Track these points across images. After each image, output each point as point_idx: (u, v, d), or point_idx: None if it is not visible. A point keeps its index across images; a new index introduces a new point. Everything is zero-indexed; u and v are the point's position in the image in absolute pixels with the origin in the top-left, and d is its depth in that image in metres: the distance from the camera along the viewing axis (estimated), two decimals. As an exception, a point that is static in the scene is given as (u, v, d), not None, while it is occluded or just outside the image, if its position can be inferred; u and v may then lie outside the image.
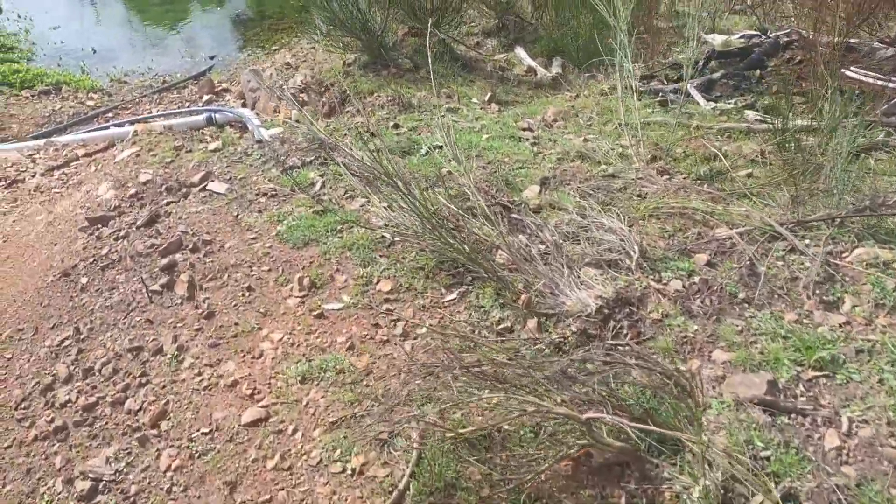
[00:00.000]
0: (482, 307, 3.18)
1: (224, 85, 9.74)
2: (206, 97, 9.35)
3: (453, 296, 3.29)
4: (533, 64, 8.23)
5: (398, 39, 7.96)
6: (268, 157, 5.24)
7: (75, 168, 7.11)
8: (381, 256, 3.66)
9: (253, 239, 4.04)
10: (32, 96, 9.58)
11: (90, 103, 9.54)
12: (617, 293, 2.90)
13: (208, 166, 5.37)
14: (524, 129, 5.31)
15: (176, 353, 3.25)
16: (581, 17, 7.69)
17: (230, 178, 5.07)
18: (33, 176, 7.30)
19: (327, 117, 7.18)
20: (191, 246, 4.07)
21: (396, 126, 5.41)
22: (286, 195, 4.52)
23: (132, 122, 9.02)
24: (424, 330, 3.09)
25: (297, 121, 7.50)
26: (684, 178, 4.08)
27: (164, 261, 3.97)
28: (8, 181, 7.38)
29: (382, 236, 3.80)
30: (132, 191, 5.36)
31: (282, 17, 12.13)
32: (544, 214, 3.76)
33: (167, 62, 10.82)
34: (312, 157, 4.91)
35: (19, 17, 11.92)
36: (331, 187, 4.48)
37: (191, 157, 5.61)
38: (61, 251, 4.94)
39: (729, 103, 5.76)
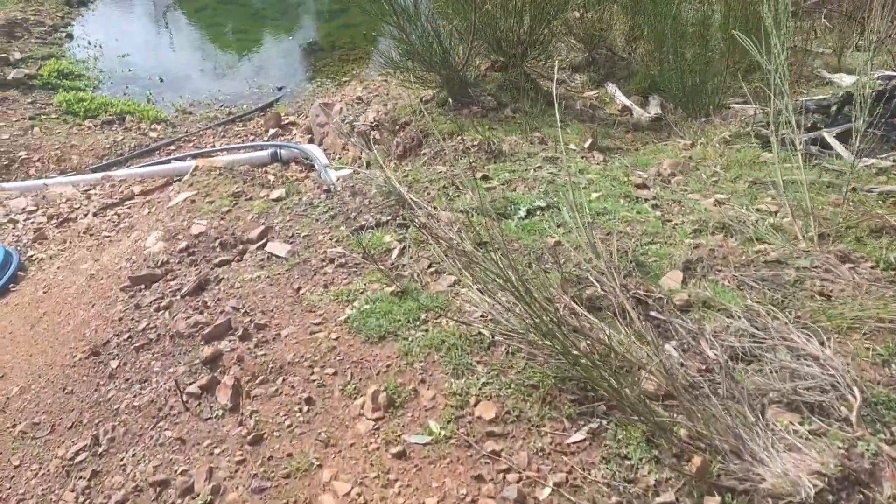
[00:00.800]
0: (626, 458, 2.25)
1: (291, 118, 9.09)
2: (271, 131, 8.69)
3: (582, 435, 2.36)
4: (628, 103, 7.29)
5: (480, 75, 7.14)
6: (336, 211, 4.43)
7: (128, 209, 6.47)
8: (479, 363, 2.77)
9: (316, 325, 3.20)
10: (95, 126, 9.10)
11: (153, 135, 9.00)
12: (842, 466, 1.94)
13: (269, 219, 4.60)
14: (638, 186, 4.38)
15: (210, 497, 2.41)
16: (686, 52, 6.73)
17: (292, 236, 4.28)
18: (85, 215, 6.70)
19: (401, 159, 6.38)
20: (240, 331, 3.25)
21: (486, 178, 4.54)
22: (357, 264, 3.69)
23: (194, 157, 8.44)
24: (548, 493, 2.18)
25: (368, 163, 6.73)
26: (872, 266, 3.08)
27: (208, 350, 3.16)
28: (60, 219, 6.79)
29: (480, 333, 2.91)
30: (182, 244, 4.63)
31: (353, 47, 11.50)
32: (695, 315, 2.81)
33: (234, 91, 10.28)
34: (388, 216, 4.08)
35: (89, 43, 11.60)
36: (411, 257, 3.63)
37: (250, 206, 4.87)
38: (97, 316, 4.22)
39: (885, 158, 4.71)
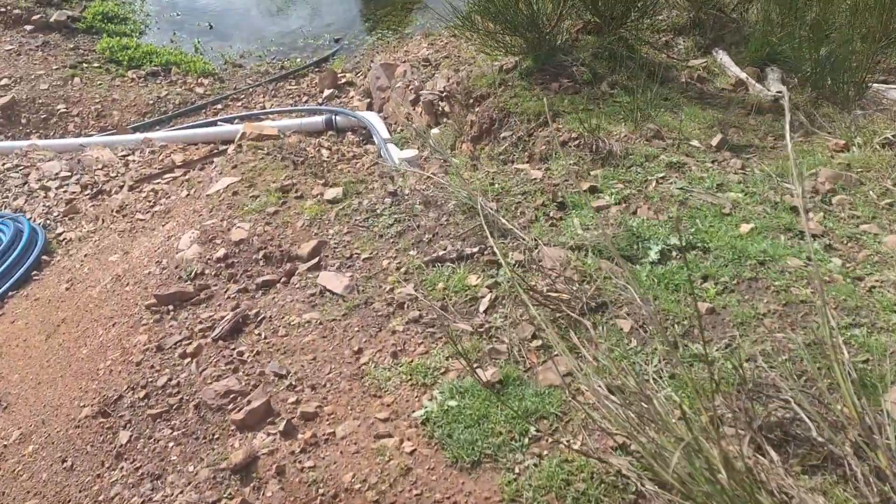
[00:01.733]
0: None
1: (348, 76, 8.08)
2: (326, 92, 7.71)
3: None
4: (742, 76, 6.08)
5: (570, 39, 6.00)
6: (405, 226, 3.50)
7: (167, 184, 5.63)
8: (622, 527, 1.85)
9: (384, 421, 2.31)
10: (139, 78, 8.24)
11: (199, 90, 8.11)
12: None
13: (322, 229, 3.69)
14: (793, 209, 3.32)
15: None
16: (829, 14, 5.48)
17: (350, 257, 3.37)
18: (121, 188, 5.90)
19: (476, 142, 5.37)
20: (283, 421, 2.38)
21: (594, 191, 3.53)
22: (434, 320, 2.77)
23: (242, 119, 7.55)
24: None
25: (435, 149, 5.73)
26: None
27: (239, 450, 2.31)
28: (94, 190, 6.01)
29: (620, 473, 1.99)
30: (221, 252, 3.77)
31: (417, -6, 10.33)
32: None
33: (288, 42, 9.28)
34: (474, 247, 3.13)
35: (137, -17, 10.67)
36: (507, 316, 2.69)
37: (300, 207, 3.96)
38: (116, 344, 3.42)
39: None
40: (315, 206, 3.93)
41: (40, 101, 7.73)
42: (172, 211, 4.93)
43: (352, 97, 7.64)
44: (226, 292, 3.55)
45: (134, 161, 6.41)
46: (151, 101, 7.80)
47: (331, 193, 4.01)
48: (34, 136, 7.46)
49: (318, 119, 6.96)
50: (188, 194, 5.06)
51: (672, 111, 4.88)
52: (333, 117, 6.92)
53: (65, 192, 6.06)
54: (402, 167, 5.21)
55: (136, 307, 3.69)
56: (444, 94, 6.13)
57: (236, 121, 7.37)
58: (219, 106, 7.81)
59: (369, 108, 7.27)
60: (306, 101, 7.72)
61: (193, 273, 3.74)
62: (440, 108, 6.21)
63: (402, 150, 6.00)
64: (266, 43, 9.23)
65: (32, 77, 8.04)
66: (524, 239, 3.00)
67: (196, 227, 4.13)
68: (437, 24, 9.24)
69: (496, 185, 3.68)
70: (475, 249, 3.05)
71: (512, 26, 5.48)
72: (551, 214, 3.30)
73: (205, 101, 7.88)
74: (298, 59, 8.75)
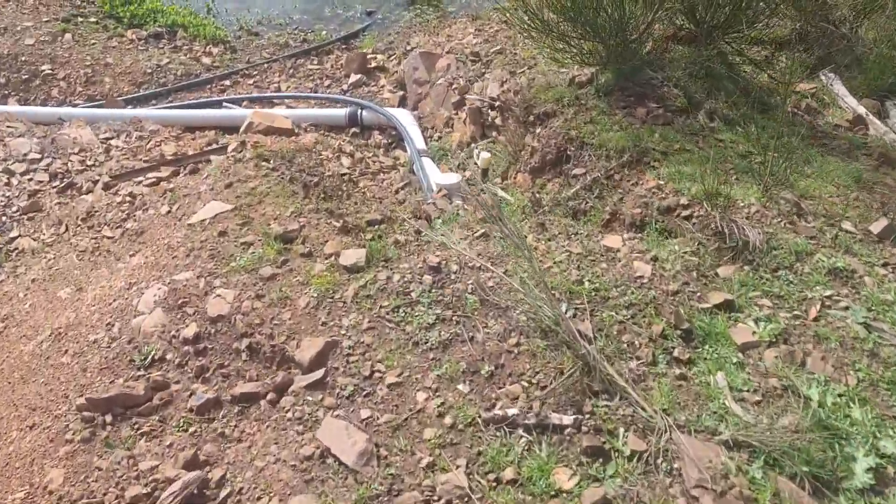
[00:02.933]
0: None
1: (379, 59, 6.85)
2: (353, 77, 6.50)
3: None
4: (861, 111, 4.89)
5: (658, 48, 4.77)
6: (451, 335, 2.38)
7: (147, 190, 4.50)
8: None
9: None
10: (138, 40, 7.04)
11: (207, 61, 6.90)
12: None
13: (333, 316, 2.58)
14: None
15: None
16: None
17: (370, 378, 2.26)
18: (95, 183, 4.76)
19: (536, 175, 4.19)
20: None
21: (730, 308, 2.39)
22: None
23: (252, 102, 6.36)
24: None
25: (485, 170, 4.54)
26: None
27: None
28: (64, 182, 4.88)
29: None
30: (191, 330, 2.66)
31: (464, -34, 9.00)
32: None
33: (313, 10, 8.01)
34: (565, 414, 2.00)
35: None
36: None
37: (307, 272, 2.83)
38: (25, 468, 2.35)
39: None
40: (327, 276, 2.79)
41: (23, 58, 6.56)
42: (145, 234, 3.80)
43: (382, 86, 6.43)
44: (188, 399, 2.45)
45: (117, 148, 5.27)
46: (150, 70, 6.61)
47: (349, 257, 2.87)
48: (11, 100, 6.31)
49: (341, 112, 5.78)
50: (169, 211, 3.93)
51: (795, 162, 3.69)
52: (359, 111, 5.74)
53: (30, 180, 4.94)
54: (441, 201, 4.06)
55: (66, 400, 2.60)
56: (497, 102, 4.93)
57: (244, 103, 6.19)
58: (227, 82, 6.61)
59: (402, 103, 6.07)
60: (329, 87, 6.52)
61: (151, 356, 2.64)
62: (489, 119, 5.02)
63: (439, 167, 4.83)
64: (289, 9, 7.97)
65: (18, 29, 6.85)
66: (644, 411, 1.87)
67: (165, 279, 3.01)
68: (485, 4, 7.98)
69: (585, 282, 2.53)
70: (567, 419, 1.92)
71: (592, 29, 4.27)
72: (676, 354, 2.16)
73: (211, 74, 6.68)
74: (324, 33, 7.51)
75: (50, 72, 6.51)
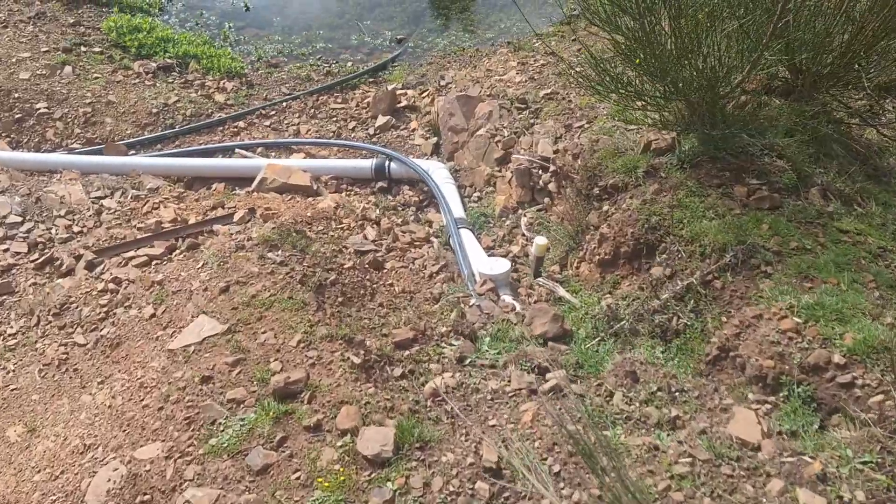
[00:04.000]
0: None
1: (409, 96, 6.03)
2: (380, 120, 5.69)
3: None
4: None
5: (750, 104, 3.86)
6: None
7: (135, 273, 3.72)
8: None
9: None
10: (146, 73, 6.30)
11: (219, 98, 6.14)
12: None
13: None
14: None
15: None
16: None
17: None
18: (77, 260, 4.01)
19: (606, 271, 3.32)
20: None
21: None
22: None
23: (267, 148, 5.57)
24: None
25: (540, 256, 3.67)
26: None
27: None
28: (44, 255, 4.12)
29: None
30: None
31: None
32: None
33: (338, 38, 7.21)
34: None
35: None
36: None
37: (311, 464, 2.03)
38: None
39: None
40: (339, 472, 1.97)
41: (17, 94, 5.86)
42: (121, 348, 3.02)
43: (413, 130, 5.61)
44: None
45: (109, 211, 4.51)
46: (156, 109, 5.86)
47: (372, 441, 2.04)
48: (2, 142, 5.60)
49: (367, 164, 4.98)
50: (153, 315, 3.14)
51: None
52: (387, 163, 4.93)
53: (6, 251, 4.19)
54: (487, 301, 3.22)
55: None
56: (551, 165, 4.08)
57: (259, 150, 5.42)
58: (241, 123, 5.84)
59: (435, 151, 5.25)
60: (353, 130, 5.72)
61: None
62: (540, 182, 4.17)
63: (480, 241, 3.99)
64: (312, 36, 7.19)
65: (14, 61, 6.15)
66: None
67: (126, 450, 2.20)
68: (527, 30, 7.12)
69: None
70: None
71: (674, 86, 3.40)
72: None
73: (224, 114, 5.92)
74: (350, 64, 6.72)
75: (46, 110, 5.80)
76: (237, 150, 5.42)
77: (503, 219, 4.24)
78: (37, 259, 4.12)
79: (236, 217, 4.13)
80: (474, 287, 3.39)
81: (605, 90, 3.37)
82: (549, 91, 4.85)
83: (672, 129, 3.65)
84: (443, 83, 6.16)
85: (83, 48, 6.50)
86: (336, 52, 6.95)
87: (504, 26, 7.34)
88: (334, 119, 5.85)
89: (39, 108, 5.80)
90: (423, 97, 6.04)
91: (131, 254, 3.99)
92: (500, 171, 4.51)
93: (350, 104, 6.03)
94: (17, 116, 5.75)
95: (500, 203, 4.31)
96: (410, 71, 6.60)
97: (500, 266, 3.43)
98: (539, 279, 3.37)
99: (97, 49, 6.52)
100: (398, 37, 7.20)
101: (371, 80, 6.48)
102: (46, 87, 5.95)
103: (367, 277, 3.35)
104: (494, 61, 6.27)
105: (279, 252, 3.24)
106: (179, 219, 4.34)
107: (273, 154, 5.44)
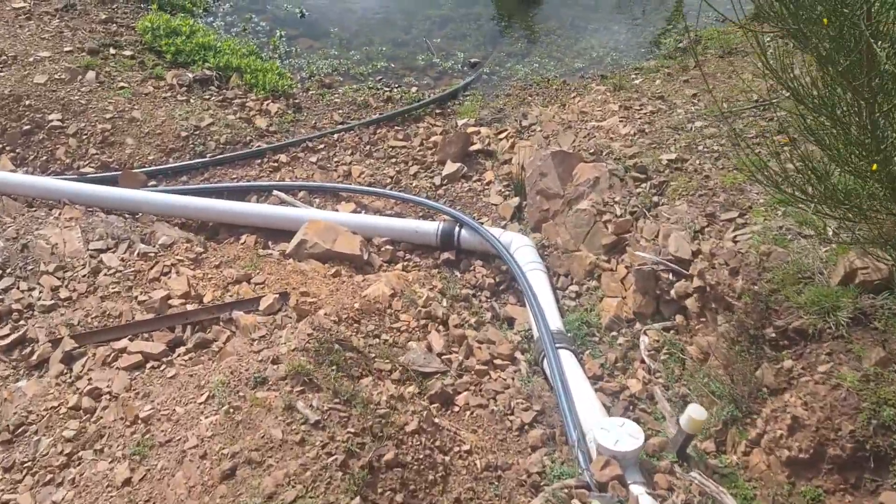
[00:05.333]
0: None
1: (483, 137, 4.96)
2: (450, 167, 4.62)
3: None
4: None
5: None
6: None
7: (116, 390, 2.72)
8: None
9: None
10: (179, 86, 5.32)
11: (261, 123, 5.13)
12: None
13: None
14: None
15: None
16: None
17: None
18: (54, 346, 3.02)
19: (796, 472, 2.22)
20: None
21: None
22: None
23: (311, 192, 4.54)
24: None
25: (688, 440, 2.55)
26: None
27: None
28: (15, 334, 3.15)
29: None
30: None
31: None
32: None
33: (403, 58, 6.15)
34: None
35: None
36: None
37: None
38: None
39: None
40: None
41: (28, 101, 4.94)
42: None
43: (488, 183, 4.54)
44: None
45: (108, 270, 3.53)
46: (186, 132, 4.89)
47: None
48: (4, 157, 4.69)
49: (431, 228, 3.93)
50: (127, 482, 2.12)
51: None
52: (457, 230, 3.87)
53: (-27, 320, 3.23)
54: (609, 496, 2.13)
55: None
56: (691, 272, 2.96)
57: (301, 194, 4.40)
58: (282, 156, 4.83)
59: (517, 216, 4.18)
60: (415, 176, 4.67)
61: None
62: (672, 293, 3.05)
63: (583, 365, 2.90)
64: (373, 53, 6.16)
65: (31, 60, 5.23)
66: None
67: None
68: (623, 60, 5.99)
69: None
70: None
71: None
72: None
73: (265, 143, 4.93)
74: (414, 90, 5.67)
75: (59, 123, 4.87)
76: (275, 193, 4.42)
77: (613, 333, 3.15)
78: (6, 336, 3.15)
79: (263, 304, 3.11)
80: (588, 467, 2.31)
81: (806, 198, 2.25)
82: (672, 156, 3.72)
83: (881, 249, 2.51)
84: (524, 123, 5.08)
85: (112, 50, 5.56)
86: (399, 74, 5.91)
87: (596, 55, 6.22)
88: (393, 160, 4.81)
89: (52, 121, 4.87)
90: (500, 138, 4.97)
91: (123, 344, 2.99)
92: (607, 260, 3.41)
93: (413, 142, 4.97)
94: (25, 128, 4.83)
95: (608, 309, 3.22)
96: (485, 103, 5.53)
97: (629, 438, 2.34)
98: (692, 474, 2.26)
99: (128, 52, 5.58)
100: (472, 60, 6.13)
101: (438, 110, 5.42)
102: (63, 94, 5.02)
103: (436, 443, 2.28)
104: (589, 101, 5.17)
105: (314, 401, 2.19)
106: (193, 293, 3.33)
107: (318, 200, 4.42)
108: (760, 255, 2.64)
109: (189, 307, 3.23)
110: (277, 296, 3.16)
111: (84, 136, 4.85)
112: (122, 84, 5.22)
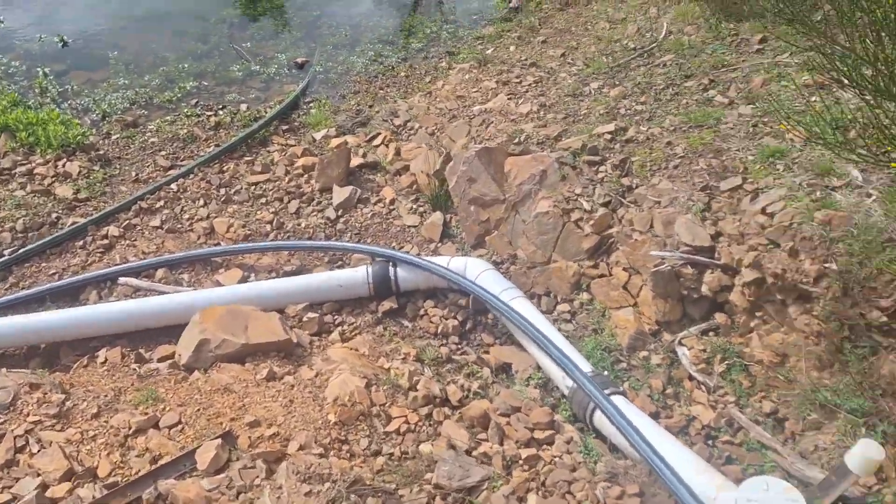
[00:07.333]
0: None
1: (355, 148, 4.14)
2: (340, 194, 3.75)
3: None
4: None
5: None
6: None
7: None
8: None
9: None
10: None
11: (65, 192, 3.84)
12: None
13: None
14: None
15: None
16: None
17: None
18: None
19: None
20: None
21: None
22: None
23: (172, 267, 3.43)
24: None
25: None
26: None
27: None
28: None
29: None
30: None
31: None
32: None
33: (214, 73, 5.01)
34: None
35: None
36: None
37: None
38: None
39: None
40: None
41: None
42: None
43: (391, 202, 3.75)
44: None
45: (-80, 477, 2.25)
46: (-41, 229, 3.48)
47: None
48: None
49: (359, 275, 3.10)
50: None
51: None
52: (392, 271, 3.07)
53: None
54: None
55: None
56: (717, 261, 2.48)
57: (160, 274, 3.30)
58: (111, 229, 3.63)
59: (446, 234, 3.46)
60: (297, 211, 3.74)
61: None
62: (696, 287, 2.56)
63: (627, 397, 2.33)
64: (173, 73, 4.97)
65: None
66: None
67: None
68: (459, 38, 5.37)
69: None
70: None
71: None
72: None
73: (81, 217, 3.67)
74: (244, 107, 4.64)
75: None
76: (122, 281, 3.27)
77: (641, 353, 2.60)
78: None
79: (201, 460, 2.14)
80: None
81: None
82: (611, 128, 3.23)
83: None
84: (397, 121, 4.36)
85: None
86: (216, 92, 4.84)
87: (430, 31, 5.58)
88: (262, 200, 3.83)
89: None
90: (376, 145, 4.19)
91: None
92: (594, 266, 2.85)
93: (275, 171, 4.01)
94: None
95: (623, 325, 2.67)
96: (335, 107, 4.69)
97: None
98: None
99: None
100: (297, 60, 5.21)
101: (284, 126, 4.47)
102: None
103: None
104: (458, 83, 4.55)
105: None
106: (80, 469, 2.23)
107: (185, 276, 3.35)
108: (820, 223, 2.22)
109: (83, 493, 2.14)
110: (219, 441, 2.18)
111: None
112: None
